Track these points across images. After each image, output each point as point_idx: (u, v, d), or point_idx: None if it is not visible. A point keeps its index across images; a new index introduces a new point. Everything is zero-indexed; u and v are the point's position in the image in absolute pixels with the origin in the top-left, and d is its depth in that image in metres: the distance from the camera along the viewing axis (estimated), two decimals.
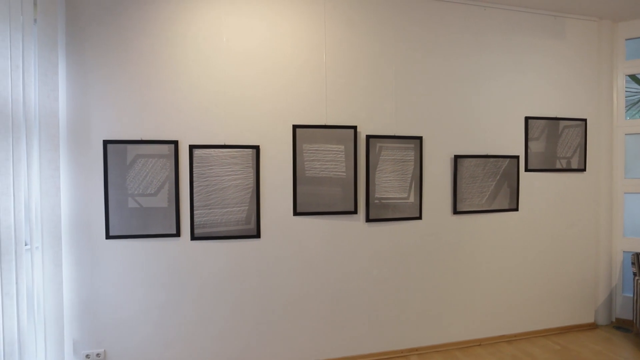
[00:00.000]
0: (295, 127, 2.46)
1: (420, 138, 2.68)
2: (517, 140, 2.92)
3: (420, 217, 2.71)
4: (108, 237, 2.24)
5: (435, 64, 2.73)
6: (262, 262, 2.46)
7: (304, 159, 2.47)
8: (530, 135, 2.94)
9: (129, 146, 2.25)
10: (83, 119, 2.22)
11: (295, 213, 2.48)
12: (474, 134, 2.83)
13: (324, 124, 2.52)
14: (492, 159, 2.84)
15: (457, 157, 2.75)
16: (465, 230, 2.83)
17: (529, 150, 2.94)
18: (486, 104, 2.85)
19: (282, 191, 2.47)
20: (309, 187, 2.48)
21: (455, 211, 2.78)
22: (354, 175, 2.55)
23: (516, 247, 2.95)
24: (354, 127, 2.54)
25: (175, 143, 2.31)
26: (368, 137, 2.57)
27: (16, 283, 1.79)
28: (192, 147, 2.32)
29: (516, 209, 2.92)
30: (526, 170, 2.94)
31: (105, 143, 2.23)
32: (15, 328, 1.78)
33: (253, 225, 2.42)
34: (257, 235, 2.43)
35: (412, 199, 2.68)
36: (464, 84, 2.79)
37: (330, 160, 2.50)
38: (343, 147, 2.52)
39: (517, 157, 2.89)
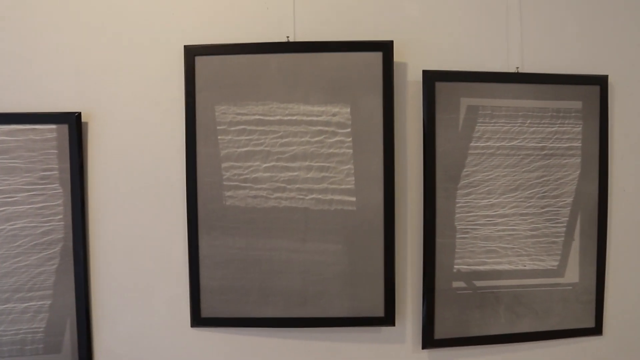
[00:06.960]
0: (190, 51, 0.78)
1: (601, 79, 0.84)
2: None
3: (599, 330, 0.86)
4: None
5: None
6: None
7: (219, 151, 0.78)
8: None
9: None
10: None
11: (198, 320, 0.79)
12: None
13: (286, 38, 0.80)
14: None
15: None
16: None
17: None
18: None
19: (154, 252, 0.80)
20: (237, 239, 0.78)
21: None
22: (385, 199, 0.78)
23: None
24: (385, 45, 0.78)
25: None
26: (426, 74, 0.79)
27: None
28: None
29: None
30: None
31: None
32: None
33: (71, 356, 0.79)
34: None
35: (571, 273, 0.84)
36: None
37: (304, 154, 0.78)
38: (348, 110, 0.78)
39: None
